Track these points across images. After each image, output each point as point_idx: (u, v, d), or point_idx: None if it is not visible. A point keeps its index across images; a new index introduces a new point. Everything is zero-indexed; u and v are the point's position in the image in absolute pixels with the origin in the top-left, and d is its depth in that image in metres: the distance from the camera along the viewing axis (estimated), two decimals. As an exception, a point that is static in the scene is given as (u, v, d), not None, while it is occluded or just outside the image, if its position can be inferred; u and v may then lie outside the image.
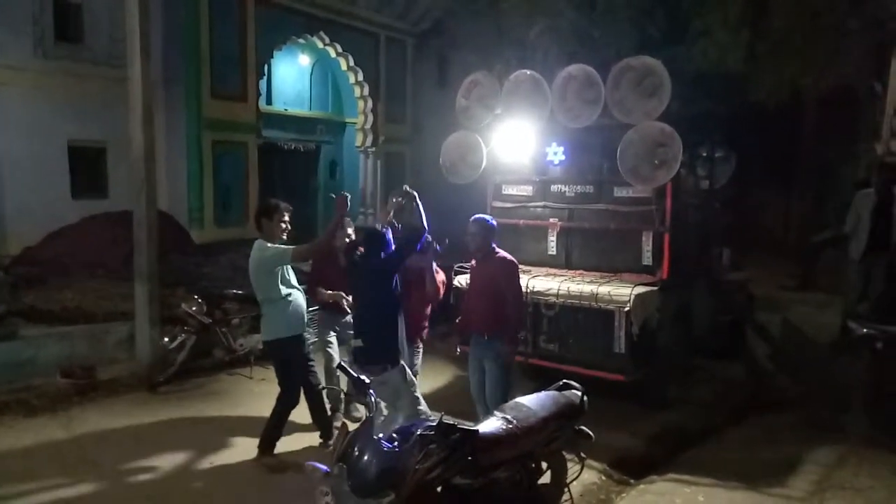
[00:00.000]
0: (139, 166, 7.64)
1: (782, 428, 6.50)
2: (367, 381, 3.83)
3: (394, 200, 5.75)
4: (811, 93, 11.25)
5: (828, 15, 9.38)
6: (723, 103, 9.07)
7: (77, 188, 10.77)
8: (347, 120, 15.57)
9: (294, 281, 5.54)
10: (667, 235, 6.67)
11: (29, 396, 6.73)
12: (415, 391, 5.35)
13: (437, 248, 5.76)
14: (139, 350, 7.78)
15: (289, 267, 5.45)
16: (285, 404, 5.47)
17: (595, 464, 5.28)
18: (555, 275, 7.14)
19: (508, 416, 3.87)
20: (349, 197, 5.44)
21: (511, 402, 4.19)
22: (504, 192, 7.76)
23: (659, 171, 6.30)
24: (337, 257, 6.18)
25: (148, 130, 7.65)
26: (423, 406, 5.61)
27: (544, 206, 7.46)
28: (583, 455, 4.38)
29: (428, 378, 7.21)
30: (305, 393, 5.63)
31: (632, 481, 5.36)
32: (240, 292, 7.94)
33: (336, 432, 4.61)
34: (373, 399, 3.74)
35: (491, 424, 3.81)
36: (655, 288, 6.58)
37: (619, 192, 6.90)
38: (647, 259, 6.80)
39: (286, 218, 5.46)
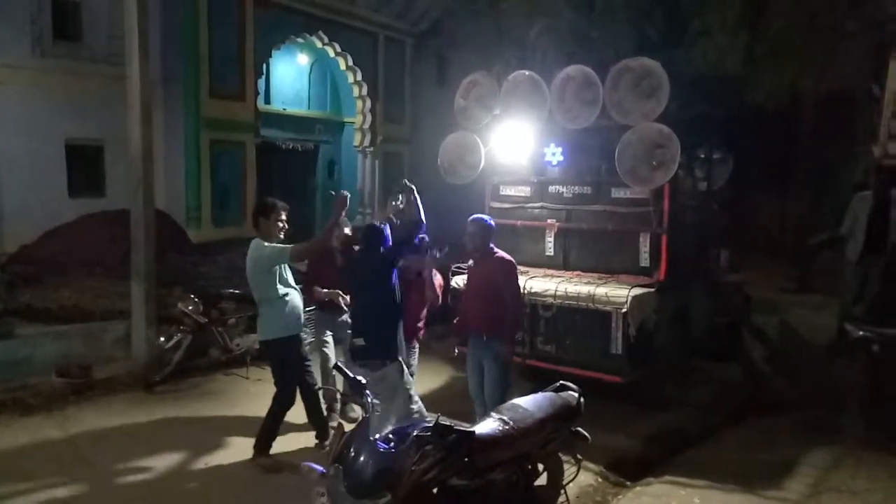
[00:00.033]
0: (137, 165, 7.63)
1: (779, 430, 6.50)
2: (364, 381, 3.82)
3: (393, 203, 5.75)
4: (809, 95, 11.27)
5: (826, 16, 9.40)
6: (721, 105, 9.08)
7: (74, 186, 10.74)
8: (346, 119, 15.55)
9: (291, 280, 5.53)
10: (664, 237, 6.67)
11: (25, 395, 6.71)
12: (410, 390, 5.36)
13: (437, 254, 5.76)
14: (135, 349, 7.76)
15: (286, 266, 5.44)
16: (281, 404, 5.46)
17: (592, 465, 5.26)
18: (552, 276, 7.14)
19: (505, 418, 3.87)
20: (349, 196, 5.44)
21: (508, 404, 4.19)
22: (502, 193, 7.75)
23: (657, 173, 6.30)
24: (334, 257, 6.17)
25: (146, 129, 7.63)
26: (420, 405, 5.64)
27: (542, 207, 7.45)
28: (579, 456, 4.38)
29: (425, 379, 7.20)
30: (302, 393, 5.62)
31: (628, 483, 5.36)
32: (237, 292, 7.94)
33: (332, 433, 4.61)
34: (369, 400, 3.73)
35: (487, 426, 3.81)
36: (653, 289, 6.58)
37: (617, 194, 6.90)
38: (645, 260, 6.80)
39: (283, 217, 5.46)
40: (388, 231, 5.41)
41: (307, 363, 5.71)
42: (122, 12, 7.75)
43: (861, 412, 6.74)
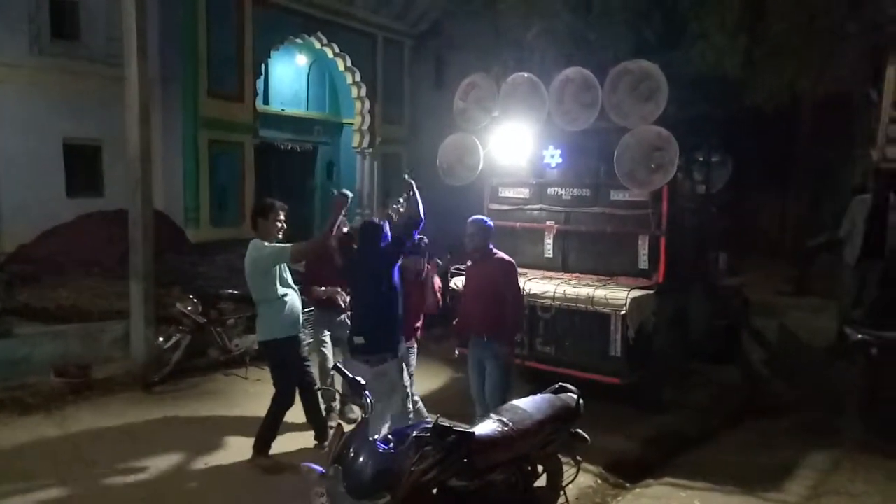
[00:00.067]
0: (135, 165, 7.62)
1: (778, 432, 6.51)
2: (363, 382, 3.81)
3: (394, 206, 5.74)
4: (807, 97, 11.28)
5: (825, 18, 9.39)
6: (719, 107, 9.10)
7: (72, 186, 10.71)
8: (344, 120, 15.54)
9: (290, 281, 5.52)
10: (663, 239, 6.68)
11: (23, 395, 6.70)
12: (407, 389, 5.36)
13: (439, 261, 5.77)
14: (134, 349, 7.75)
15: (286, 266, 5.44)
16: (280, 405, 5.45)
17: (591, 467, 5.27)
18: (551, 277, 7.14)
19: (504, 419, 3.88)
20: (350, 196, 5.42)
21: (507, 405, 4.20)
22: (501, 195, 7.76)
23: (655, 175, 6.30)
24: (332, 257, 6.16)
25: (144, 129, 7.63)
26: (421, 405, 5.64)
27: (541, 209, 7.46)
28: (579, 458, 4.38)
29: (424, 380, 7.19)
30: (300, 393, 5.62)
31: (627, 485, 5.37)
32: (235, 292, 7.93)
33: (331, 433, 4.60)
34: (368, 400, 3.73)
35: (487, 427, 3.81)
36: (651, 292, 6.59)
37: (616, 196, 6.90)
38: (644, 263, 6.80)
39: (282, 217, 5.45)
40: (387, 228, 5.40)
41: (306, 363, 5.71)
42: (121, 12, 7.75)
43: (859, 415, 6.74)
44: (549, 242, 7.39)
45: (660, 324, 6.68)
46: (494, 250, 5.54)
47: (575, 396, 4.34)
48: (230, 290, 8.11)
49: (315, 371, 6.03)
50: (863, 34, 9.81)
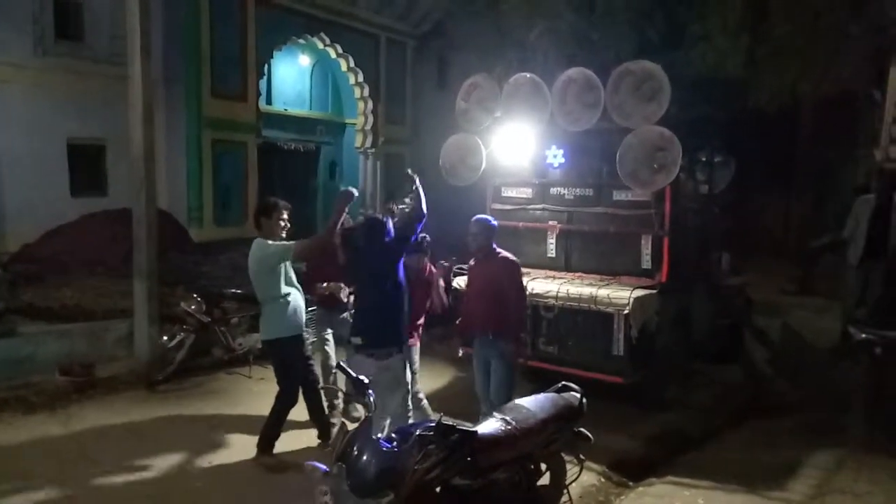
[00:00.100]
0: (139, 165, 7.64)
1: (781, 432, 6.50)
2: (366, 381, 3.82)
3: (399, 207, 5.75)
4: (810, 97, 11.27)
5: (828, 18, 9.39)
6: (722, 108, 9.08)
7: (76, 186, 10.75)
8: (347, 121, 15.56)
9: (294, 280, 5.53)
10: (666, 239, 6.68)
11: (28, 393, 6.72)
12: (409, 385, 5.37)
13: (445, 263, 5.78)
14: (138, 348, 7.77)
15: (289, 265, 5.45)
16: (284, 403, 5.46)
17: (594, 465, 5.28)
18: (554, 277, 7.15)
19: (507, 418, 3.88)
20: (356, 194, 5.42)
21: (510, 404, 4.21)
22: (503, 195, 7.76)
23: (658, 175, 6.31)
24: (335, 255, 6.17)
25: (148, 129, 7.65)
26: (425, 403, 5.65)
27: (543, 209, 7.46)
28: (582, 457, 4.38)
29: (428, 379, 7.20)
30: (304, 392, 5.63)
31: (631, 483, 5.37)
32: (239, 291, 7.94)
33: (334, 431, 4.61)
34: (371, 399, 3.74)
35: (490, 426, 3.81)
36: (654, 291, 6.59)
37: (619, 196, 6.90)
38: (647, 262, 6.80)
39: (285, 216, 5.45)
40: (390, 224, 5.40)
41: (309, 362, 5.72)
42: (124, 12, 7.78)
43: (863, 414, 6.75)
44: (551, 242, 7.40)
45: (663, 323, 6.69)
46: (498, 250, 5.55)
47: (578, 395, 4.35)
48: (234, 290, 8.12)
49: (318, 369, 6.03)
50: (866, 36, 9.80)
